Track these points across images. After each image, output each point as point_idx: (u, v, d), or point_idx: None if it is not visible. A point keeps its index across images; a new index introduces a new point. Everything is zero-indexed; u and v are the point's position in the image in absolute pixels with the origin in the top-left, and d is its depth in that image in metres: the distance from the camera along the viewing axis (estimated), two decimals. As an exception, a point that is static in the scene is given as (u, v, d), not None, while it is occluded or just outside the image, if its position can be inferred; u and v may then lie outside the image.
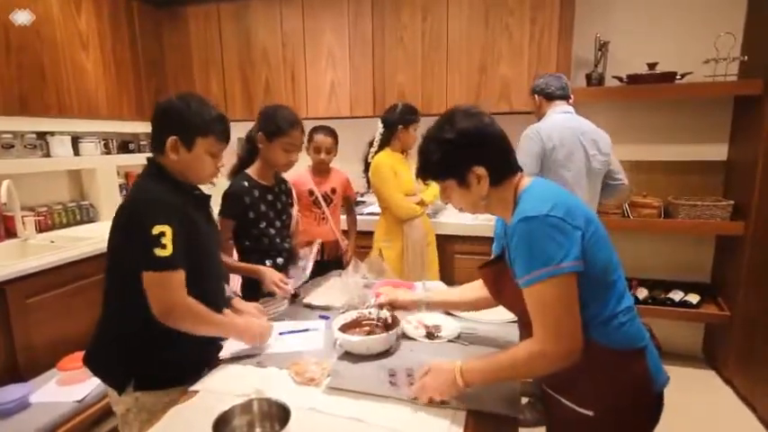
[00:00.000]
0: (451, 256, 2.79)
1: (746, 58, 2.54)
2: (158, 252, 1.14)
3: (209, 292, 1.32)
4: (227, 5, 3.29)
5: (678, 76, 2.59)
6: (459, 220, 2.77)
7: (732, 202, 2.59)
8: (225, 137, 1.32)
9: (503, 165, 1.09)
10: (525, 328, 1.09)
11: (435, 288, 1.79)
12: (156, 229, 1.14)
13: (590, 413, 1.02)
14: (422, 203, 2.48)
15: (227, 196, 1.78)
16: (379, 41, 3.02)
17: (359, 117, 3.16)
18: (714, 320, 2.69)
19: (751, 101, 2.47)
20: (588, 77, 2.82)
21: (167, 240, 1.15)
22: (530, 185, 1.08)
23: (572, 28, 2.69)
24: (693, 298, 2.71)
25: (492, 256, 1.27)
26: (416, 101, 2.84)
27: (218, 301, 1.38)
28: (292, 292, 1.72)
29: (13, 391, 1.76)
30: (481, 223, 2.67)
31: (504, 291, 1.16)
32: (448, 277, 2.66)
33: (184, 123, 1.25)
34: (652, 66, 2.64)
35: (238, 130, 1.98)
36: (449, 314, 1.58)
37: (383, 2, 2.97)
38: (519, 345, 1.05)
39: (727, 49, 2.55)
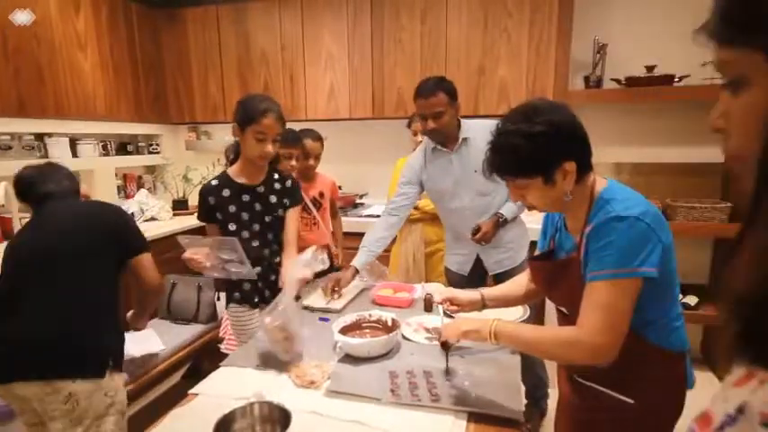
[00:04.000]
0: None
1: (744, 60, 2.55)
2: None
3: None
4: (225, 7, 3.29)
5: (676, 79, 2.59)
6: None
7: (730, 204, 2.59)
8: None
9: (588, 160, 1.05)
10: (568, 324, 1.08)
11: (434, 290, 1.79)
12: None
13: (631, 401, 1.07)
14: (416, 207, 2.43)
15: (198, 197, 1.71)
16: (378, 43, 3.03)
17: (358, 119, 3.16)
18: (712, 322, 2.69)
19: (749, 103, 2.48)
20: (586, 80, 2.83)
21: None
22: (609, 186, 1.06)
23: (570, 30, 2.70)
24: (692, 300, 2.71)
25: (537, 252, 1.28)
26: (415, 103, 2.84)
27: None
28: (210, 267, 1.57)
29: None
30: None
31: (558, 286, 1.14)
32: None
33: None
34: (650, 68, 2.65)
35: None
36: (449, 317, 1.58)
37: (382, 4, 2.97)
38: (563, 327, 1.08)
39: (725, 52, 2.56)
